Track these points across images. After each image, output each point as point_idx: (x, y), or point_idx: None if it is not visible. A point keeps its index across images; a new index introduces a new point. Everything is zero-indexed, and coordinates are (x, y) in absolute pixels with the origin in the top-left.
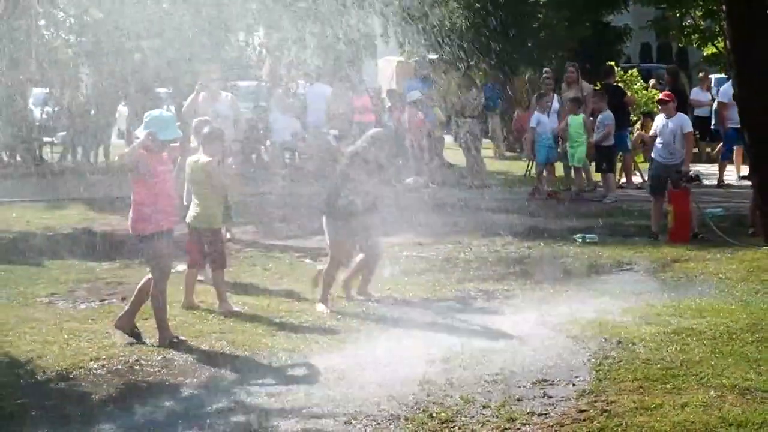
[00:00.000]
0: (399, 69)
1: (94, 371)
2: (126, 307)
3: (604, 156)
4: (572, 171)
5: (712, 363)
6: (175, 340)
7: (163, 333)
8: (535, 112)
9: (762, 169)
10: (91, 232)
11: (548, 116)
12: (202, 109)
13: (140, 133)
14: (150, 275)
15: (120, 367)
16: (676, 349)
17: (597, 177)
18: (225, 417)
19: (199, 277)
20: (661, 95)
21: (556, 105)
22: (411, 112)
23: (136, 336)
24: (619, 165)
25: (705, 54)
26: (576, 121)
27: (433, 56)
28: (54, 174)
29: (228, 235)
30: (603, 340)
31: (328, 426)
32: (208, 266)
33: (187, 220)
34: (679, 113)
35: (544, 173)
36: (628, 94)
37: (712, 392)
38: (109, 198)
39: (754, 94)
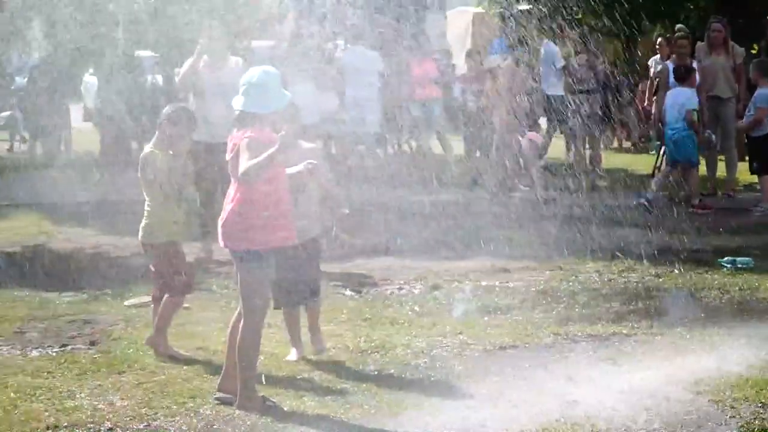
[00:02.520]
0: (476, 24)
1: None
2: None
3: (756, 150)
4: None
5: None
6: (269, 403)
7: (245, 394)
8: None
9: None
10: (47, 250)
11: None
12: (203, 80)
13: (239, 103)
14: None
15: None
16: None
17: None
18: None
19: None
20: None
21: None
22: (491, 83)
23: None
24: None
25: None
26: None
27: (524, 6)
28: None
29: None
30: (759, 406)
31: None
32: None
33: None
34: None
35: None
36: None
37: None
38: (73, 203)
39: None
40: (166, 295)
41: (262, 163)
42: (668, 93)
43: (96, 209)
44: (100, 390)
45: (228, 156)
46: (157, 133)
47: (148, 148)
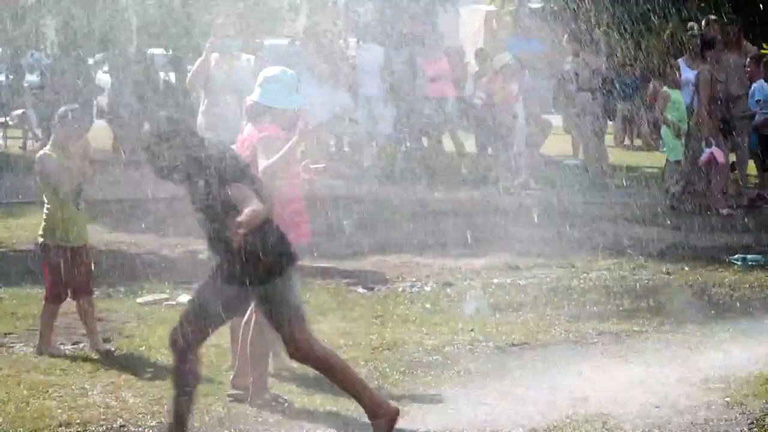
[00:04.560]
0: (489, 22)
1: None
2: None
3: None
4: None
5: None
6: (280, 400)
7: (257, 391)
8: None
9: None
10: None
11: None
12: (214, 78)
13: (254, 95)
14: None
15: None
16: None
17: None
18: None
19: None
20: None
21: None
22: (500, 82)
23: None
24: None
25: None
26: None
27: (536, 5)
28: (8, 168)
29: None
30: None
31: None
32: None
33: (40, 234)
34: None
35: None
36: None
37: None
38: (85, 201)
39: None
40: (83, 298)
41: (285, 156)
42: (756, 85)
43: (109, 207)
44: (113, 387)
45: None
46: (52, 134)
47: (44, 149)
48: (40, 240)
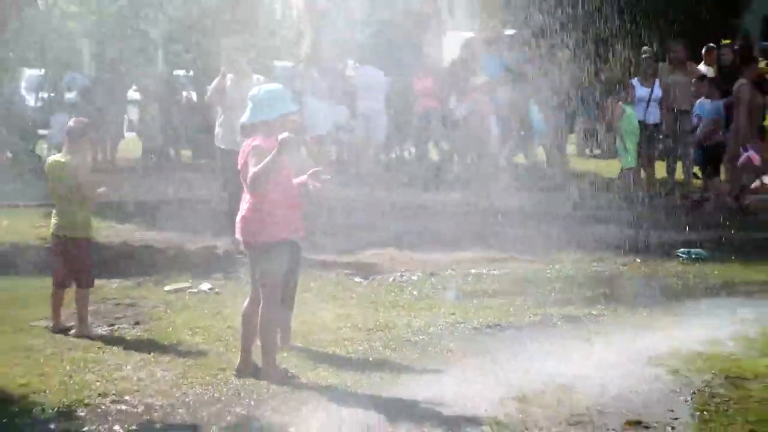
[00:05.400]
0: (468, 46)
1: (103, 409)
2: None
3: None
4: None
5: None
6: (289, 374)
7: (268, 366)
8: None
9: None
10: (96, 243)
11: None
12: (229, 95)
13: (243, 117)
14: (254, 295)
15: (134, 405)
16: None
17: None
18: None
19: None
20: None
21: (657, 92)
22: (478, 97)
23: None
24: None
25: None
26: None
27: (509, 31)
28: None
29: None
30: (710, 376)
31: None
32: None
33: (51, 228)
34: None
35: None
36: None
37: None
38: (118, 203)
39: None
40: (76, 288)
41: (265, 168)
42: (698, 102)
43: (139, 208)
44: (144, 363)
45: (239, 164)
46: (69, 144)
47: (72, 160)
48: (62, 234)
